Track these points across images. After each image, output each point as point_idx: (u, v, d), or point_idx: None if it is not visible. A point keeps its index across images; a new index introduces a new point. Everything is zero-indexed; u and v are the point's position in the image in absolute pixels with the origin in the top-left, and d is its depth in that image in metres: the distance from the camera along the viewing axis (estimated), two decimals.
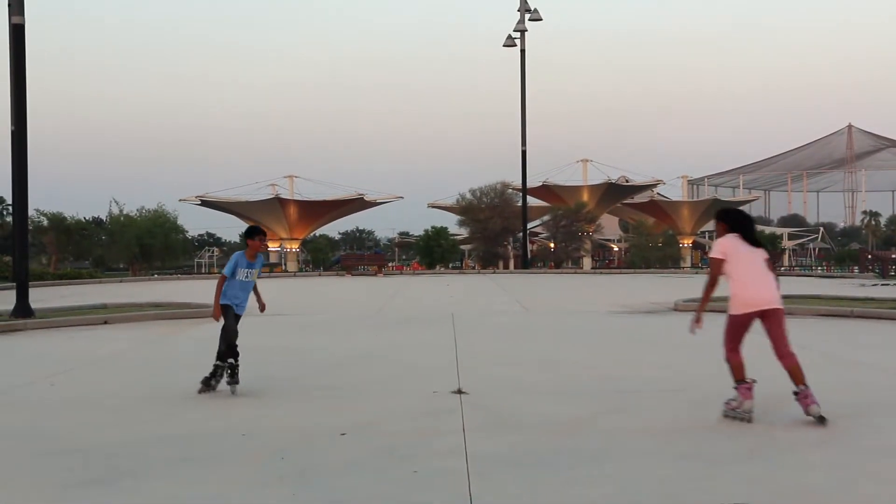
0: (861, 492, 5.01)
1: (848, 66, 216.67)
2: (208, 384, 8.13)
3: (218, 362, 8.17)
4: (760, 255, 6.74)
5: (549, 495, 4.95)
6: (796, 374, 6.59)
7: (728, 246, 6.70)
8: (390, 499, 4.89)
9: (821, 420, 6.51)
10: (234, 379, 8.14)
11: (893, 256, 33.32)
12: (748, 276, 6.64)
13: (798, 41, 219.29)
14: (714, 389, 8.28)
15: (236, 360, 8.16)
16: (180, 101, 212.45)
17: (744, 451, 5.89)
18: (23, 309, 15.75)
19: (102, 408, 7.74)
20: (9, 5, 16.34)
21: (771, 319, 6.67)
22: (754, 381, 6.72)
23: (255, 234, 8.43)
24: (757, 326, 6.75)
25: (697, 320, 6.81)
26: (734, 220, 6.93)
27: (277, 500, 4.94)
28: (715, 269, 6.71)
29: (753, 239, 6.79)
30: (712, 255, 6.78)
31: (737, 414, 6.72)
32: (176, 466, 5.67)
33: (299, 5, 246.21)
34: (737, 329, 6.75)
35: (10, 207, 46.38)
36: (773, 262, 6.81)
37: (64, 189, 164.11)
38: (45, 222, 44.14)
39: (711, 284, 6.78)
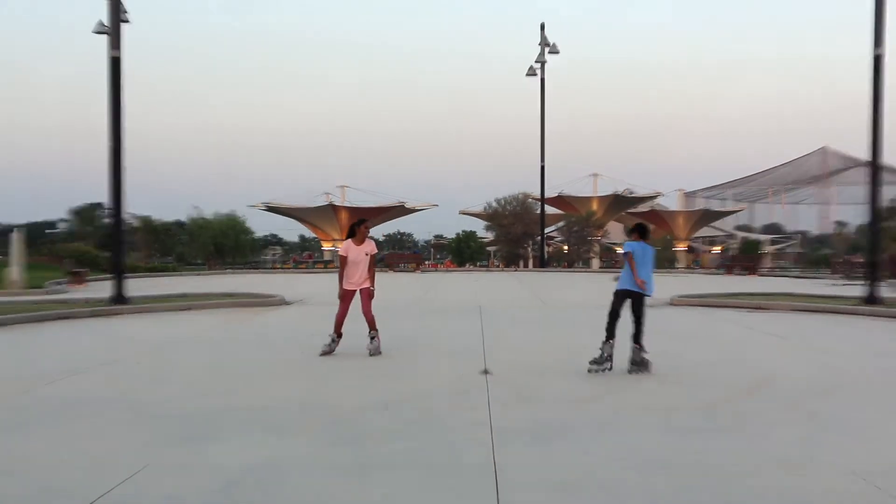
0: (825, 460, 4.97)
1: (824, 95, 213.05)
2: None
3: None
4: (363, 253, 9.59)
5: (559, 459, 4.95)
6: (372, 325, 9.58)
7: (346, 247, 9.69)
8: (427, 461, 4.91)
9: (376, 354, 9.33)
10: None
11: (858, 261, 32.89)
12: (351, 268, 9.57)
13: (780, 73, 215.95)
14: (705, 372, 8.23)
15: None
16: (250, 123, 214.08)
17: (722, 426, 5.86)
18: (119, 297, 16.03)
19: (183, 381, 7.84)
20: (109, 40, 16.54)
21: (364, 293, 9.61)
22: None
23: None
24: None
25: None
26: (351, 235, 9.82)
27: (331, 458, 4.98)
28: (343, 262, 9.65)
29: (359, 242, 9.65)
30: (341, 253, 9.61)
31: (329, 349, 9.42)
32: (244, 431, 5.72)
33: (351, 39, 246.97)
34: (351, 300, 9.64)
35: (108, 211, 47.05)
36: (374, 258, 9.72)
37: (152, 195, 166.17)
38: (137, 224, 44.83)
39: (343, 268, 9.63)
